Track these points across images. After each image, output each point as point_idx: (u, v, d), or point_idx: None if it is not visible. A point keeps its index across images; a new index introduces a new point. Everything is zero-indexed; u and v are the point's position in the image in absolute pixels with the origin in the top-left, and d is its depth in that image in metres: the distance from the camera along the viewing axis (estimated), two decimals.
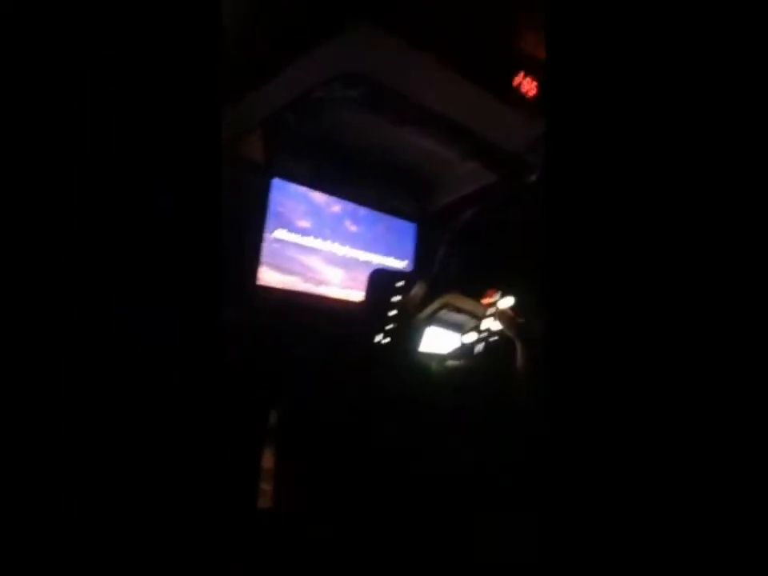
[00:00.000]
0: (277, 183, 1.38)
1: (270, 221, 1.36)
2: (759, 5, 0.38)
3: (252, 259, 1.33)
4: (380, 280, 1.08)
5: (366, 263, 1.51)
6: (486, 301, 0.95)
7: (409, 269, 1.59)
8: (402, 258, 1.60)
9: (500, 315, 0.93)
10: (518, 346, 0.87)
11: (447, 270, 1.53)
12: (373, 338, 1.01)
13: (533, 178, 1.37)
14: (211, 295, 0.52)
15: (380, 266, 1.51)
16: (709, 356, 0.38)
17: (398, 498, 0.95)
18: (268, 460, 1.12)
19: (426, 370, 1.07)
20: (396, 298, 1.02)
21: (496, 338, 0.98)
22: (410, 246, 1.60)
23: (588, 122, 0.45)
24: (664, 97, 0.41)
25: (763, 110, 0.38)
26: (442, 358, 1.07)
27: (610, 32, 0.44)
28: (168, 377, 0.48)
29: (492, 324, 0.96)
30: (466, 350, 1.03)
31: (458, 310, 1.00)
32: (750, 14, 0.38)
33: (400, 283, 1.04)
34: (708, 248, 0.39)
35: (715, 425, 0.38)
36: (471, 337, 1.00)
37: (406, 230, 1.60)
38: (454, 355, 1.06)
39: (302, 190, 1.42)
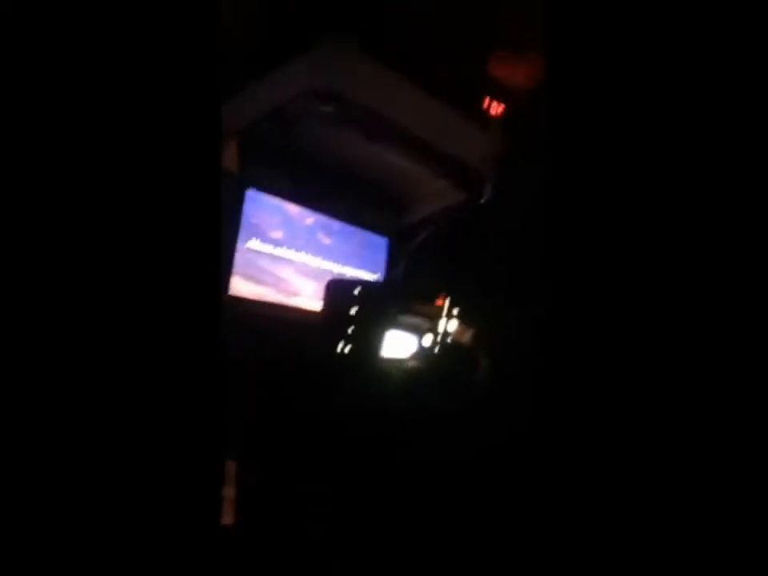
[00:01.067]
0: (251, 194, 1.41)
1: (243, 231, 1.39)
2: (759, 8, 0.39)
3: (223, 269, 1.36)
4: (336, 289, 1.10)
5: (339, 275, 1.56)
6: (438, 303, 1.00)
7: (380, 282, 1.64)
8: (374, 271, 1.65)
9: (457, 334, 0.97)
10: (479, 354, 0.92)
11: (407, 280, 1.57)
12: (334, 346, 1.05)
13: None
14: (210, 301, 0.51)
15: (339, 277, 1.54)
16: (706, 359, 0.39)
17: (368, 504, 0.97)
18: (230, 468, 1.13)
19: (387, 375, 1.09)
20: (353, 308, 1.05)
21: (449, 339, 1.02)
22: (382, 259, 1.66)
23: (589, 131, 0.46)
24: (663, 99, 0.42)
25: (760, 110, 0.39)
26: (402, 362, 1.11)
27: (608, 35, 0.45)
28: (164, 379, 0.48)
29: (446, 325, 1.00)
30: (424, 352, 1.07)
31: (414, 313, 1.05)
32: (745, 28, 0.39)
33: (356, 290, 1.08)
34: (709, 251, 0.40)
35: (710, 425, 0.38)
36: (428, 339, 1.05)
37: (378, 244, 1.66)
38: (413, 358, 1.10)
39: (276, 201, 1.46)
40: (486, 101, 1.30)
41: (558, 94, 0.49)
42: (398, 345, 1.08)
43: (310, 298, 1.49)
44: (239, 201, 1.39)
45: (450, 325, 0.99)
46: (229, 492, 1.12)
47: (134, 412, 0.46)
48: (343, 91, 1.20)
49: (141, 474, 0.46)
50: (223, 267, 1.37)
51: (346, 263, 1.57)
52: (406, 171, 1.49)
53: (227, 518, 1.15)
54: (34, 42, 0.45)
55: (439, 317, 1.02)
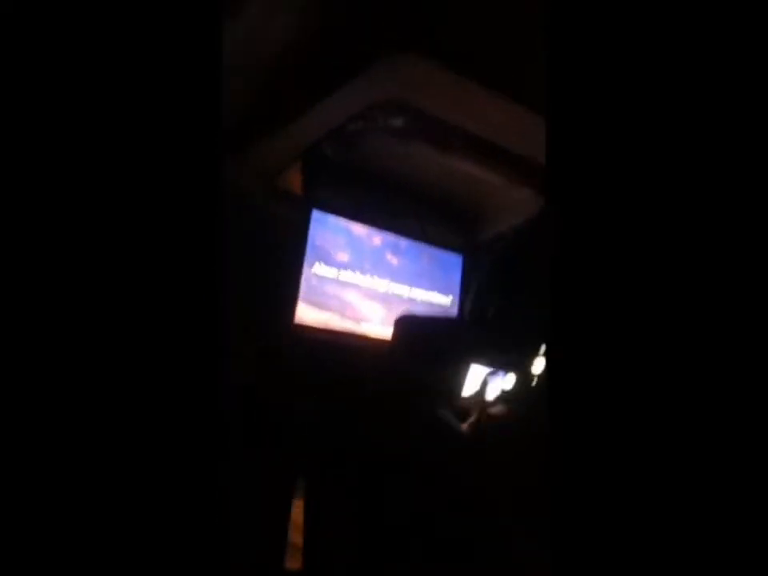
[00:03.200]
0: (316, 215, 1.41)
1: (308, 255, 1.39)
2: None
3: (290, 296, 1.36)
4: (407, 328, 1.06)
5: (409, 300, 1.52)
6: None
7: (454, 304, 1.58)
8: (446, 293, 1.59)
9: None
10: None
11: (483, 307, 1.50)
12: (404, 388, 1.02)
13: None
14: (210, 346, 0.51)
15: (409, 312, 1.49)
16: (709, 372, 0.41)
17: (436, 555, 0.93)
18: (297, 514, 1.12)
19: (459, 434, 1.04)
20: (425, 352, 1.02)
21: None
22: (455, 279, 1.59)
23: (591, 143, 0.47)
24: (664, 103, 0.44)
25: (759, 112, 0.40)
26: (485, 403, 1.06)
27: (610, 38, 0.46)
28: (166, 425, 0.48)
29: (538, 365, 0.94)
30: (513, 395, 1.02)
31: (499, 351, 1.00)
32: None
33: (429, 331, 1.04)
34: (713, 258, 0.41)
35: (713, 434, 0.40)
36: (511, 380, 1.00)
37: (451, 263, 1.59)
38: (500, 400, 1.05)
39: (342, 221, 1.44)
40: None
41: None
42: (478, 383, 1.04)
43: (377, 324, 1.46)
44: (304, 223, 1.39)
45: (540, 364, 0.92)
46: (296, 537, 1.11)
47: (126, 417, 0.46)
48: (411, 101, 1.16)
49: (132, 478, 0.46)
50: (288, 293, 1.37)
51: (415, 284, 1.53)
52: (479, 181, 1.42)
53: (294, 563, 1.15)
54: (34, 42, 0.46)
55: (534, 355, 0.95)
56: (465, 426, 1.02)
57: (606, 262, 0.45)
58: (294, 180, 1.36)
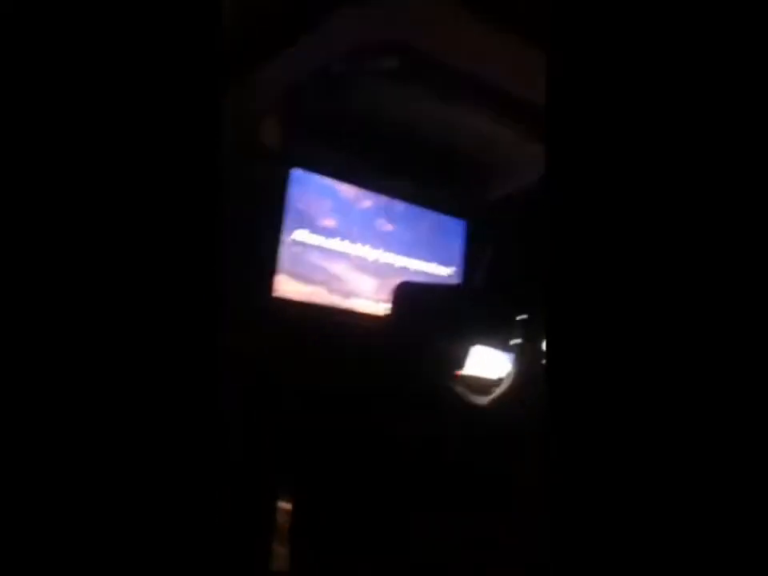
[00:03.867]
0: (297, 175, 1.26)
1: (288, 220, 1.24)
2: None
3: (267, 266, 1.24)
4: (406, 296, 0.98)
5: (404, 270, 1.38)
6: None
7: (457, 276, 1.44)
8: (447, 264, 1.44)
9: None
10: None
11: (493, 279, 1.39)
12: (402, 366, 0.95)
13: None
14: (209, 315, 0.52)
15: (408, 279, 1.39)
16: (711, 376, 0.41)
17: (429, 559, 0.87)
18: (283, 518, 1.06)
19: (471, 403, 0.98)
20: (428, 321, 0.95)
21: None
22: (457, 248, 1.44)
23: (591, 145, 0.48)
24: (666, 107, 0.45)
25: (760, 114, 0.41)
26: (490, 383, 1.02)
27: (613, 44, 0.47)
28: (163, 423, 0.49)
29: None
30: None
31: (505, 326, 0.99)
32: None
33: (431, 298, 0.98)
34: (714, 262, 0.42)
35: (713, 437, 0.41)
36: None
37: (453, 229, 1.44)
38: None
39: (327, 182, 1.29)
40: None
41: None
42: (485, 362, 0.99)
43: (368, 299, 1.33)
44: (283, 184, 1.24)
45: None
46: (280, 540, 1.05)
47: (125, 415, 0.48)
48: (408, 40, 1.02)
49: (132, 478, 0.48)
50: (265, 264, 1.25)
51: (412, 254, 1.39)
52: (487, 135, 1.28)
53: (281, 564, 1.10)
54: (34, 42, 0.47)
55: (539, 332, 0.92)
56: (486, 401, 0.95)
57: (605, 248, 0.46)
58: (272, 134, 1.21)
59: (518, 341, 1.02)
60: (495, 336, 1.07)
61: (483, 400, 0.97)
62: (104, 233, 0.48)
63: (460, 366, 1.01)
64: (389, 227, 1.36)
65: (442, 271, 1.44)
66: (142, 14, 0.49)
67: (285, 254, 1.25)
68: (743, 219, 0.41)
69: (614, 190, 0.46)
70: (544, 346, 0.98)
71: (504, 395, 0.97)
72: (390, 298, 0.98)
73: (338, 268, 1.30)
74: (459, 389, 0.98)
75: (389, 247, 1.36)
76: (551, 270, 0.49)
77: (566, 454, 0.47)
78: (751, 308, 0.40)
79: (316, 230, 1.28)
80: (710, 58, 0.43)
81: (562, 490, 0.46)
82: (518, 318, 1.11)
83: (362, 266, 1.33)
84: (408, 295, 1.00)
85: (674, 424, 0.42)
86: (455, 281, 1.45)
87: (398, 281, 1.32)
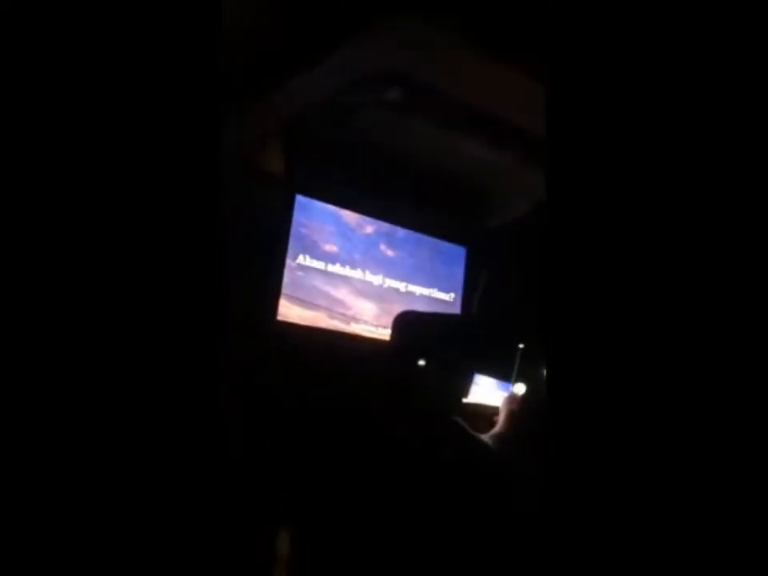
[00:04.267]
0: (300, 201, 1.27)
1: (292, 245, 1.26)
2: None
3: (272, 289, 1.24)
4: (407, 327, 0.98)
5: (405, 295, 1.38)
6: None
7: (457, 302, 1.45)
8: (448, 290, 1.45)
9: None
10: None
11: (489, 307, 1.39)
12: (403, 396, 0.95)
13: None
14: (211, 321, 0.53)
15: (410, 309, 1.39)
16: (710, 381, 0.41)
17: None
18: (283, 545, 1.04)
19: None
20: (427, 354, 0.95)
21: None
22: (459, 274, 1.46)
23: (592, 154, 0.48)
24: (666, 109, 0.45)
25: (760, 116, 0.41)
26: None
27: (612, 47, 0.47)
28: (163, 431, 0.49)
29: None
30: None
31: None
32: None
33: (431, 329, 0.98)
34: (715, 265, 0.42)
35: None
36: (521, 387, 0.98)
37: (454, 255, 1.46)
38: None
39: (330, 208, 1.31)
40: None
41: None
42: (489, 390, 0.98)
43: (369, 324, 1.34)
44: (287, 209, 1.26)
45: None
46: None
47: (126, 417, 0.48)
48: (411, 71, 1.05)
49: (131, 478, 0.48)
50: (270, 287, 1.25)
51: (413, 280, 1.40)
52: (487, 162, 1.30)
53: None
54: (34, 42, 0.48)
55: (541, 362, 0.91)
56: (487, 437, 0.94)
57: (604, 258, 0.46)
58: (276, 161, 1.24)
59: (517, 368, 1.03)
60: (494, 365, 1.08)
61: (483, 436, 0.96)
62: (111, 256, 0.48)
63: (464, 394, 1.01)
64: (390, 253, 1.37)
65: (444, 297, 1.44)
66: (144, 42, 0.50)
67: (288, 279, 1.26)
68: (739, 244, 0.41)
69: (611, 216, 0.46)
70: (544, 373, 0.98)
71: (503, 429, 0.97)
72: (392, 326, 0.99)
73: (339, 293, 1.31)
74: (459, 420, 0.96)
75: (390, 273, 1.37)
76: (548, 293, 0.49)
77: (567, 476, 0.46)
78: (746, 323, 0.40)
79: (318, 255, 1.29)
80: (701, 92, 0.43)
81: (562, 509, 0.46)
82: (518, 346, 1.11)
83: (364, 290, 1.34)
84: (409, 324, 1.00)
85: (669, 445, 0.42)
86: (456, 306, 1.45)
87: (398, 306, 1.35)
